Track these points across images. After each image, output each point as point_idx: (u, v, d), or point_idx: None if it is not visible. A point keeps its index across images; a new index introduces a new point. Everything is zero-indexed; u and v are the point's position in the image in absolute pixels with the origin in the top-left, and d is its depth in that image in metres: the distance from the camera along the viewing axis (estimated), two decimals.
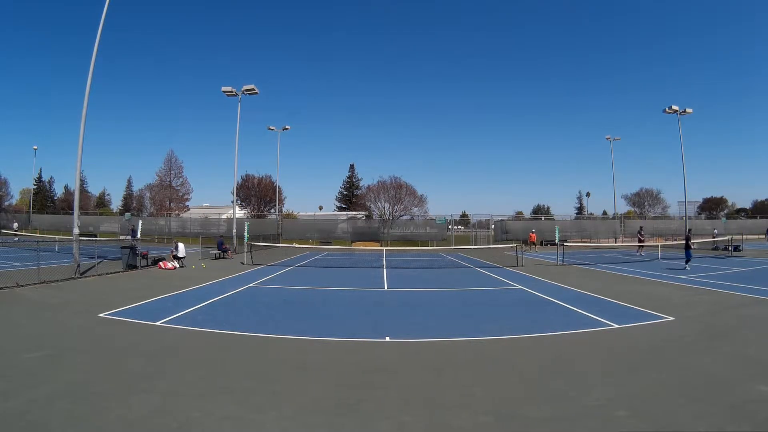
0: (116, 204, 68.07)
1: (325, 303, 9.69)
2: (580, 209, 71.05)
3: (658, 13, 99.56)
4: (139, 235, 18.16)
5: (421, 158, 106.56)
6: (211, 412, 3.75)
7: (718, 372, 4.81)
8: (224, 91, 26.57)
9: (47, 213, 51.18)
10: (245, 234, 21.32)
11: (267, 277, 14.01)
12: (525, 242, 28.50)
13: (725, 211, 58.54)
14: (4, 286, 10.32)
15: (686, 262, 16.23)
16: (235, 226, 27.12)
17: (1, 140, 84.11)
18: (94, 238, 22.80)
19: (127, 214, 41.72)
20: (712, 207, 59.31)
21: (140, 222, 21.55)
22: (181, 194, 48.04)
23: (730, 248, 23.56)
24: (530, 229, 32.46)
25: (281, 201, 46.05)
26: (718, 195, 61.67)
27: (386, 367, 5.04)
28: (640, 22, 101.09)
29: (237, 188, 38.71)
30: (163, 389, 4.26)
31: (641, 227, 27.98)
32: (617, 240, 36.93)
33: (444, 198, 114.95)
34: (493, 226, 38.16)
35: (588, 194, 70.31)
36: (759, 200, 61.73)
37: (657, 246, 24.07)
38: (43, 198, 64.24)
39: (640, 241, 24.89)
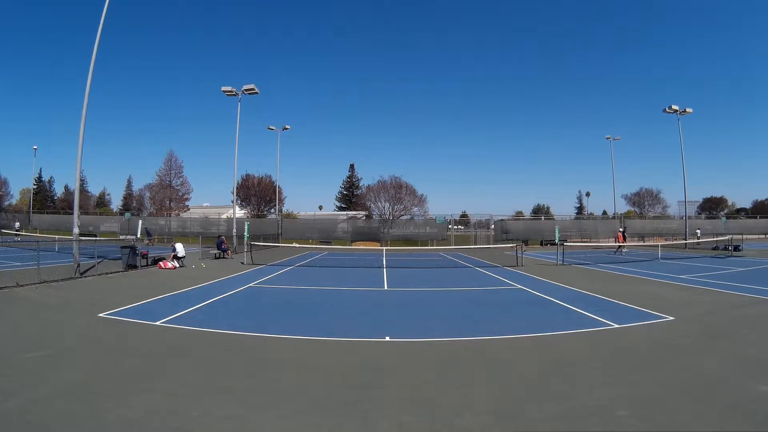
0: (116, 204, 68.15)
1: (325, 303, 9.68)
2: (580, 209, 71.11)
3: (659, 13, 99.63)
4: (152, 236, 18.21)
5: (421, 158, 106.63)
6: (211, 412, 3.75)
7: (718, 372, 4.80)
8: (224, 91, 26.57)
9: (47, 213, 51.11)
10: (245, 234, 21.31)
11: (267, 277, 14.01)
12: (525, 242, 28.45)
13: (725, 211, 58.54)
14: (4, 286, 10.31)
15: None
16: (235, 225, 27.10)
17: (1, 140, 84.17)
18: (94, 238, 22.81)
19: (127, 214, 41.72)
20: (712, 207, 59.33)
21: (140, 222, 21.55)
22: (181, 194, 48.16)
23: (730, 248, 23.54)
24: (533, 228, 32.43)
25: (281, 201, 46.07)
26: (718, 195, 61.86)
27: (386, 367, 5.04)
28: (641, 22, 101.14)
29: (237, 188, 38.71)
30: (163, 389, 4.26)
31: (624, 227, 30.82)
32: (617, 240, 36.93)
33: (444, 198, 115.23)
34: (493, 226, 38.15)
35: (588, 194, 70.39)
36: (759, 200, 61.70)
37: (657, 246, 24.09)
38: (43, 198, 64.21)
39: (622, 240, 26.52)
